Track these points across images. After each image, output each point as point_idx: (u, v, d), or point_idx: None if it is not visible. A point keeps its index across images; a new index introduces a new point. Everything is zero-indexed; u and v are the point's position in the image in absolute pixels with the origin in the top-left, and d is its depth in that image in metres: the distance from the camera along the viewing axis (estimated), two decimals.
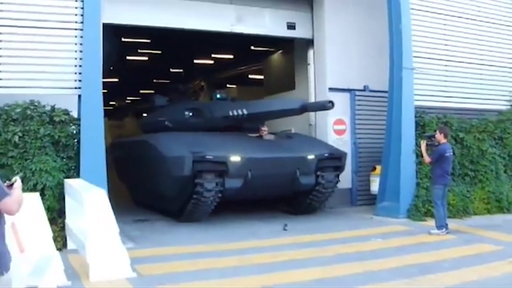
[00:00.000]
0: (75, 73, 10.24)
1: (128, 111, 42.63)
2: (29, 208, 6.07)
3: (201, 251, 9.21)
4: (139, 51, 24.90)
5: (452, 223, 11.04)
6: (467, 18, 14.16)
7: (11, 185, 3.90)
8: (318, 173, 12.46)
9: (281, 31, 15.46)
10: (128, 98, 41.17)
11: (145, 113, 42.86)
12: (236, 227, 11.70)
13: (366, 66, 14.89)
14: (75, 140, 10.03)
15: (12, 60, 9.98)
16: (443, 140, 10.90)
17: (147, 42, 22.60)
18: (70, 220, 9.20)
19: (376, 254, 8.92)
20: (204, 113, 14.06)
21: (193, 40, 19.03)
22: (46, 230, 7.21)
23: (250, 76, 26.69)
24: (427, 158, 11.07)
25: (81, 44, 10.22)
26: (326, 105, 12.37)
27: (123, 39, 20.26)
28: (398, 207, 12.52)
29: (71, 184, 9.18)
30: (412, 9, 13.09)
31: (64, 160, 9.90)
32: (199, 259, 8.56)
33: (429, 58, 13.48)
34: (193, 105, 14.89)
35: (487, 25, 14.48)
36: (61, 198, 9.42)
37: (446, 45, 13.76)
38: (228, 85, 26.56)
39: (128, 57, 25.40)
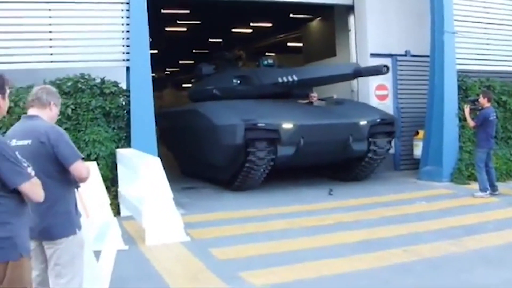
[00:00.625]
0: (123, 45, 10.53)
1: (167, 82, 42.99)
2: None
3: (249, 216, 9.47)
4: (178, 22, 25.04)
5: None
6: None
7: None
8: (370, 139, 12.24)
9: None
10: (167, 69, 41.46)
11: (184, 83, 43.22)
12: (282, 192, 11.80)
13: (406, 31, 14.77)
14: (125, 111, 10.36)
15: (62, 35, 10.27)
16: (486, 104, 10.88)
17: (186, 13, 22.74)
18: (123, 188, 9.58)
19: (421, 217, 9.08)
20: (252, 81, 13.77)
21: (232, 9, 18.94)
22: (104, 197, 7.56)
23: (288, 44, 26.67)
24: (471, 122, 11.08)
25: (127, 17, 10.48)
26: (381, 69, 12.03)
27: (162, 11, 20.40)
28: (442, 171, 12.58)
29: (123, 153, 9.51)
30: None
31: (115, 130, 10.23)
32: (248, 223, 8.85)
33: (470, 22, 13.34)
34: (241, 73, 14.54)
35: None
36: (113, 167, 9.78)
37: (488, 7, 13.58)
38: (266, 53, 26.51)
39: (167, 28, 25.54)
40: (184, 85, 44.31)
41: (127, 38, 10.49)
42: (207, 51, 30.72)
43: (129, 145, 10.08)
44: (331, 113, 12.54)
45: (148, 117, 10.33)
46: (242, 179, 11.71)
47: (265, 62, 14.82)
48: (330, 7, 16.74)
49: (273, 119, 11.26)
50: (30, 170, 3.28)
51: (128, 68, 10.53)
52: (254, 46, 26.88)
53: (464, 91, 13.04)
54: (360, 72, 12.76)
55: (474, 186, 11.35)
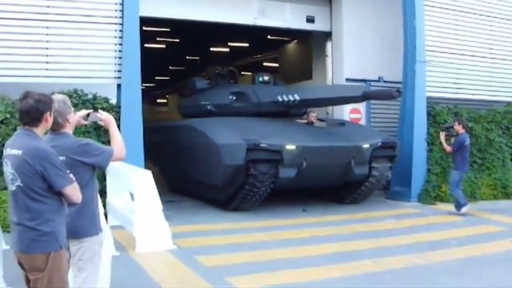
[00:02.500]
0: (115, 64, 11.08)
1: (143, 97, 43.12)
2: None
3: (230, 228, 10.02)
4: (157, 39, 25.46)
5: None
6: (479, 14, 14.73)
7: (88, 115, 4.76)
8: (372, 163, 11.86)
9: (301, 24, 16.05)
10: (143, 84, 41.55)
11: (159, 99, 43.29)
12: (260, 208, 11.85)
13: (381, 59, 15.46)
14: None
15: (58, 52, 10.74)
16: (461, 131, 11.62)
17: (166, 31, 23.18)
18: (112, 198, 10.05)
19: (390, 233, 9.74)
20: (249, 98, 13.31)
21: (212, 29, 19.16)
22: (101, 206, 8.06)
23: (264, 64, 27.17)
24: (447, 148, 11.83)
25: (120, 37, 11.01)
26: (393, 94, 11.19)
27: (144, 28, 20.74)
28: (410, 192, 13.22)
29: (112, 165, 9.95)
30: (426, 5, 13.70)
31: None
32: (230, 235, 9.39)
33: (441, 52, 14.08)
34: (237, 89, 13.98)
35: (495, 20, 15.03)
36: (102, 179, 10.14)
37: (457, 39, 14.36)
38: (242, 73, 26.80)
39: (146, 45, 25.80)
40: (158, 101, 44.82)
41: (120, 57, 11.03)
42: (183, 68, 31.25)
43: None
44: (333, 135, 12.22)
45: (137, 132, 10.79)
46: (240, 199, 11.38)
47: (261, 79, 14.37)
48: (307, 31, 17.26)
49: (276, 139, 10.83)
50: (71, 175, 3.87)
51: (119, 85, 11.06)
52: (230, 65, 27.20)
53: (433, 117, 13.75)
54: (368, 96, 11.98)
55: (440, 206, 12.22)
